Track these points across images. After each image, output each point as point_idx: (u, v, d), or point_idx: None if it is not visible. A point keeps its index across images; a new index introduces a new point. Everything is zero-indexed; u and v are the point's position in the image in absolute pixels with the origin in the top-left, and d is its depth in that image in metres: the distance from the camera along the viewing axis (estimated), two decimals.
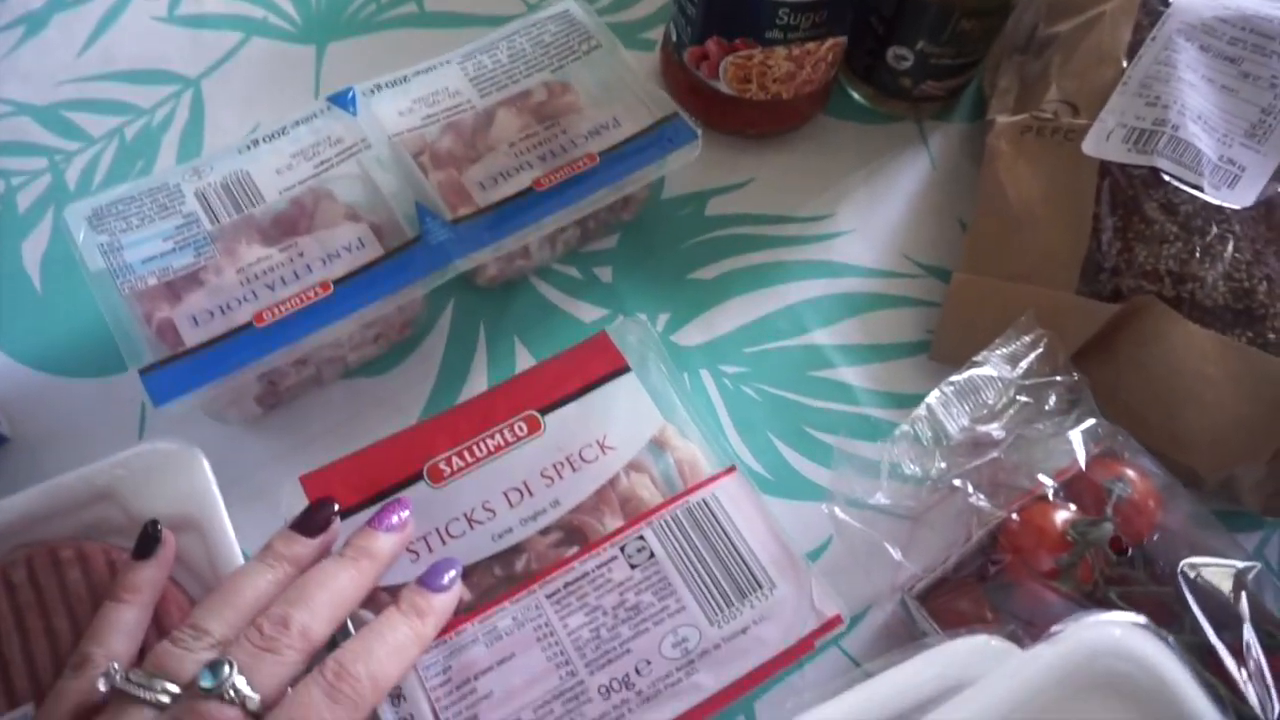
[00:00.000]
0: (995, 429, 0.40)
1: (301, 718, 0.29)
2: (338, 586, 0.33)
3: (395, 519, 0.37)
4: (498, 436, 0.40)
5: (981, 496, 0.37)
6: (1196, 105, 0.46)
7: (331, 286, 0.40)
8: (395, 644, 0.33)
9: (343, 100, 0.46)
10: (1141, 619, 0.28)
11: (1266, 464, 0.42)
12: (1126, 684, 0.27)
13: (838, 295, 0.50)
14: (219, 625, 0.31)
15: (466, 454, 0.40)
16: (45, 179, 0.52)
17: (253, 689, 0.30)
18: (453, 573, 0.36)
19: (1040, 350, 0.43)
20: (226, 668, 0.30)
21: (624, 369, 0.42)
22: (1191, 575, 0.35)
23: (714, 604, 0.37)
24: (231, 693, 0.29)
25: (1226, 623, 0.35)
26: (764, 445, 0.46)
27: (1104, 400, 0.43)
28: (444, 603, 0.35)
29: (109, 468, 0.38)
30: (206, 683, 0.29)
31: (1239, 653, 0.34)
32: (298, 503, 0.39)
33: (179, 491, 0.38)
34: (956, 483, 0.38)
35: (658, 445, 0.41)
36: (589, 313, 0.49)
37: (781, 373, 0.48)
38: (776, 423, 0.46)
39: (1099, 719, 0.27)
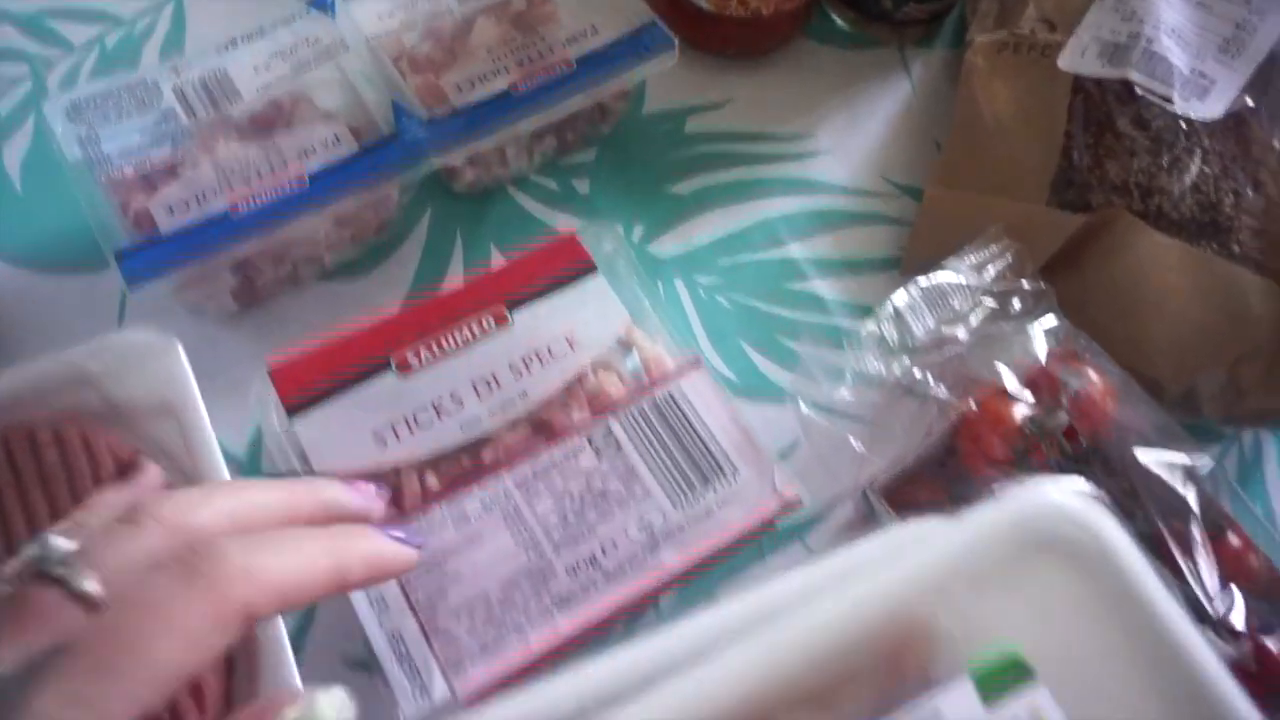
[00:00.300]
0: (960, 330, 0.40)
1: (144, 601, 0.22)
2: (250, 495, 0.26)
3: (363, 485, 0.31)
4: (465, 330, 0.41)
5: (943, 387, 0.38)
6: (1171, 20, 0.46)
7: (306, 179, 0.41)
8: (299, 546, 0.25)
9: (321, 3, 0.46)
10: (1084, 483, 0.29)
11: (1226, 372, 0.42)
12: (1066, 545, 0.28)
13: (813, 211, 0.51)
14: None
15: (434, 345, 0.41)
16: (26, 85, 0.52)
17: (90, 565, 0.23)
18: (410, 544, 0.29)
19: (1008, 260, 0.43)
20: (58, 542, 0.23)
21: (591, 269, 0.43)
22: (1143, 464, 0.36)
23: (678, 488, 0.38)
24: (60, 570, 0.23)
25: (1175, 512, 0.36)
26: (736, 352, 0.46)
27: (1071, 315, 0.44)
28: (384, 544, 0.28)
29: (86, 352, 0.39)
30: (32, 554, 0.23)
31: (1186, 541, 0.35)
32: (268, 392, 0.40)
33: (156, 378, 0.39)
34: (918, 374, 0.38)
35: (625, 345, 0.42)
36: (566, 223, 0.49)
37: (755, 283, 0.48)
38: (749, 330, 0.47)
39: (1039, 577, 0.28)
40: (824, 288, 0.48)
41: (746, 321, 0.47)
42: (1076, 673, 0.27)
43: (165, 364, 0.39)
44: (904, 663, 0.28)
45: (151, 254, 0.38)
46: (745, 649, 0.27)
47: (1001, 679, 0.26)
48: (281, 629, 0.36)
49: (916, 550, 0.28)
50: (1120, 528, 0.29)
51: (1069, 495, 0.28)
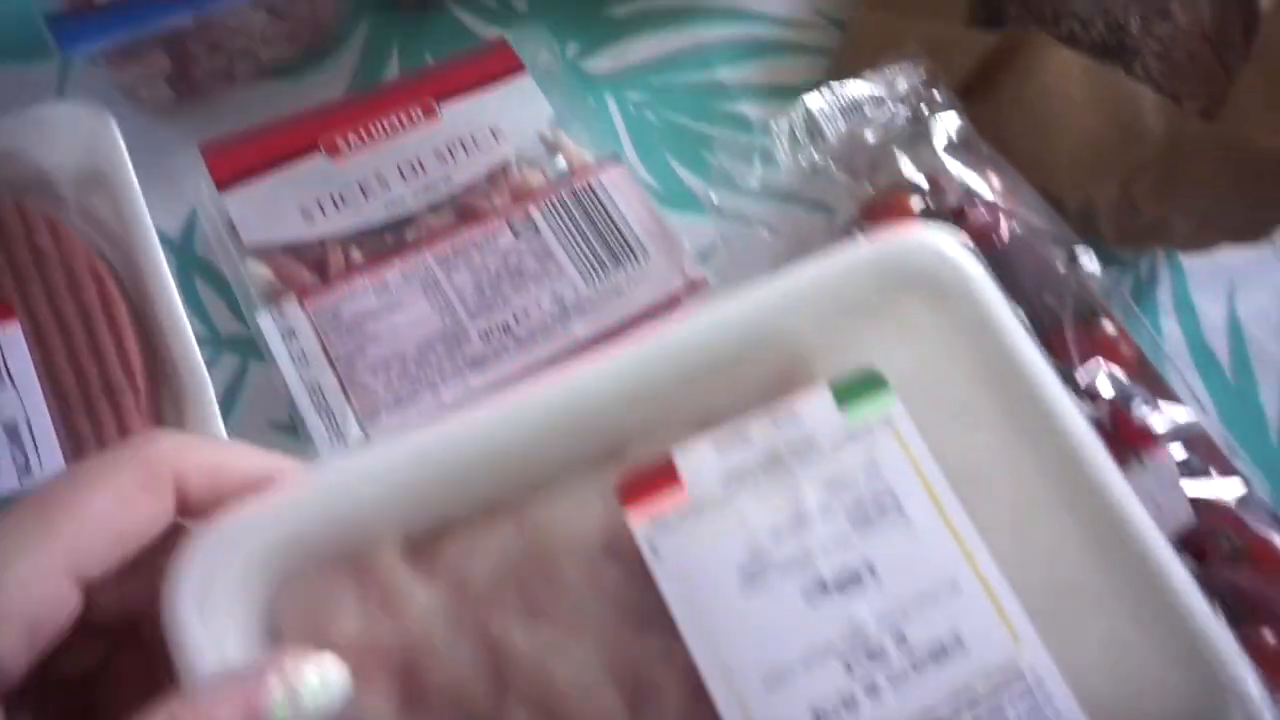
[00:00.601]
0: (868, 133, 0.42)
1: (81, 470, 0.23)
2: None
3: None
4: (394, 119, 0.42)
5: (846, 176, 0.40)
6: None
7: None
8: (228, 442, 0.26)
9: None
10: (954, 231, 0.31)
11: (1118, 190, 0.45)
12: (932, 279, 0.30)
13: (746, 39, 0.52)
14: None
15: (363, 132, 0.42)
16: None
17: None
18: None
19: (922, 76, 0.45)
20: None
21: (520, 70, 0.44)
22: (1028, 248, 0.38)
23: (591, 268, 0.40)
24: None
25: (1053, 292, 0.38)
26: (661, 165, 0.48)
27: (987, 139, 0.46)
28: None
29: (17, 122, 0.40)
30: None
31: (1060, 319, 0.38)
32: (201, 173, 0.41)
33: (87, 149, 0.40)
34: (820, 162, 0.40)
35: (551, 148, 0.44)
36: None
37: (684, 102, 0.50)
38: (674, 145, 0.48)
39: (905, 308, 0.30)
40: (750, 110, 0.50)
41: (673, 136, 0.49)
42: (934, 395, 0.29)
43: (97, 135, 0.40)
44: (782, 396, 0.30)
45: (85, 21, 0.39)
46: (618, 352, 0.28)
47: (858, 390, 0.29)
48: (210, 392, 0.38)
49: (788, 276, 0.30)
50: (984, 270, 0.31)
51: (937, 237, 0.30)
